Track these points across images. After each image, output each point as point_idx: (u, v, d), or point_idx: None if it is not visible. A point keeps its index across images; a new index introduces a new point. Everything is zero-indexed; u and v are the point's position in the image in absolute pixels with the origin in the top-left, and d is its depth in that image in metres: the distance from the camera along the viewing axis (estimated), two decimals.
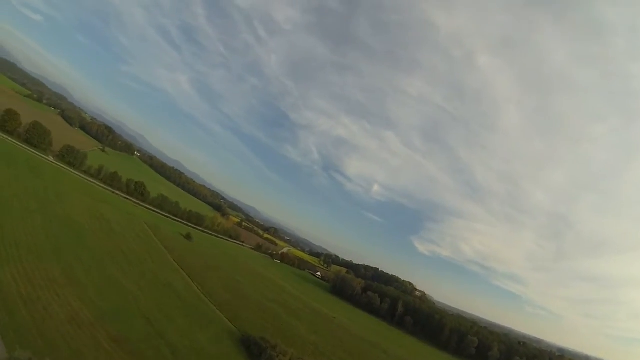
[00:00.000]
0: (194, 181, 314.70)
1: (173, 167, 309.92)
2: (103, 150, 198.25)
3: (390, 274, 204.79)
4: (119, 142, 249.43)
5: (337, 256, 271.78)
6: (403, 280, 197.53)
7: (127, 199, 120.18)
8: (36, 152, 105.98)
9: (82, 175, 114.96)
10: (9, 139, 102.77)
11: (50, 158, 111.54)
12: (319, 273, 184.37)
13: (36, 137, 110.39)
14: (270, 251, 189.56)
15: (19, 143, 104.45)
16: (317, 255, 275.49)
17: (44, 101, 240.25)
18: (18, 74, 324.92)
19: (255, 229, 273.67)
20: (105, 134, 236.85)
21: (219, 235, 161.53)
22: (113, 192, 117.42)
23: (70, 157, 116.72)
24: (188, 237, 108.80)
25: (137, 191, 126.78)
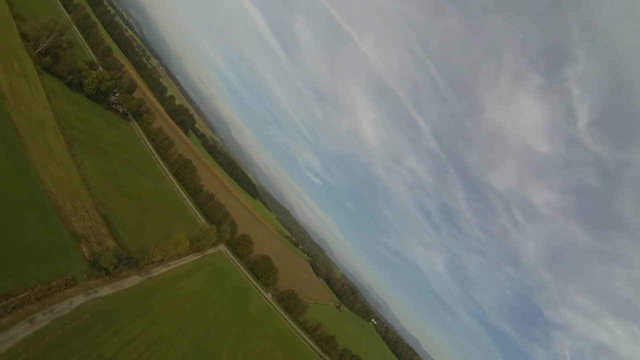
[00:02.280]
0: None
1: (408, 345, 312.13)
2: (338, 308, 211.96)
3: None
4: (358, 305, 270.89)
5: None
6: None
7: None
8: (255, 285, 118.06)
9: (294, 326, 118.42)
10: (235, 261, 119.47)
11: (268, 295, 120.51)
12: None
13: (261, 270, 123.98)
14: None
15: (242, 269, 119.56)
16: None
17: (300, 247, 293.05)
18: (288, 218, 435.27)
19: None
20: (347, 293, 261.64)
21: None
22: (320, 357, 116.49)
23: (288, 302, 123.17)
24: None
25: None
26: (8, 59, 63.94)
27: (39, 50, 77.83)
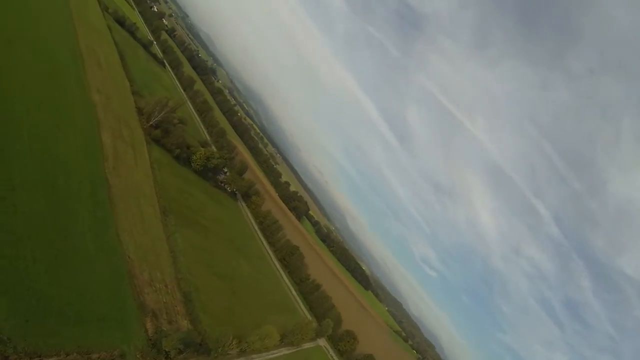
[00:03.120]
0: None
1: None
2: None
3: None
4: None
5: None
6: None
7: None
8: None
9: None
10: (334, 358, 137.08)
11: None
12: None
13: None
14: None
15: None
16: None
17: (410, 342, 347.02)
18: (400, 311, 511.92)
19: None
20: None
21: None
22: None
23: None
24: None
25: None
26: (119, 126, 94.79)
27: (150, 123, 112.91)
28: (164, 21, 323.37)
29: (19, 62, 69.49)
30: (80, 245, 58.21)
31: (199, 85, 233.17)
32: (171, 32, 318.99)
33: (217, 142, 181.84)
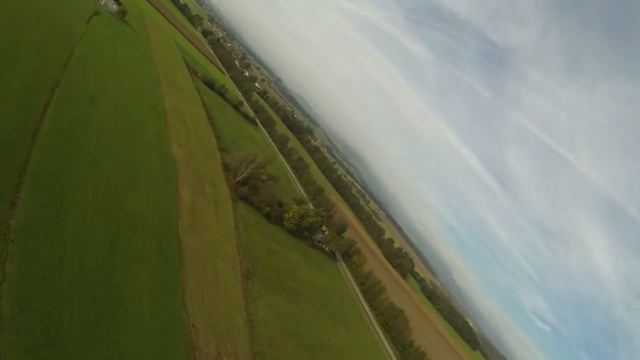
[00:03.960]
0: None
1: None
2: None
3: None
4: None
5: None
6: None
7: None
8: None
9: None
10: None
11: None
12: None
13: None
14: None
15: None
16: None
17: None
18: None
19: None
20: None
21: None
22: None
23: None
24: None
25: None
26: (201, 182, 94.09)
27: (237, 180, 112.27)
28: (256, 84, 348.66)
29: (98, 117, 73.07)
30: (133, 307, 51.69)
31: (294, 143, 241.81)
32: (264, 94, 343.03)
33: (314, 200, 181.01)
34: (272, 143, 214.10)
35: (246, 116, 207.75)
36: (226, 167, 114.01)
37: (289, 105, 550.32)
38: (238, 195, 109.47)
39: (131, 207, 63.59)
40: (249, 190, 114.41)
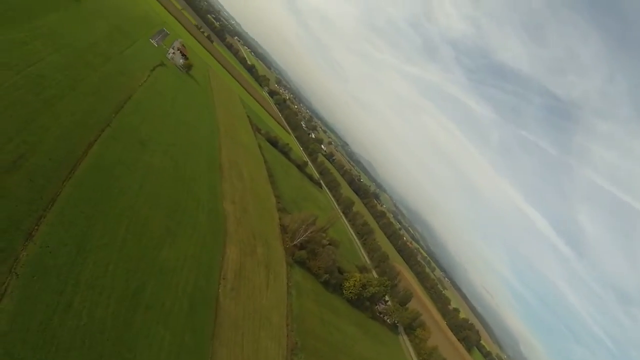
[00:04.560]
0: None
1: None
2: None
3: None
4: None
5: None
6: None
7: None
8: None
9: None
10: None
11: None
12: None
13: None
14: None
15: None
16: None
17: None
18: None
19: None
20: None
21: None
22: None
23: None
24: None
25: None
26: (253, 243, 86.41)
27: (294, 243, 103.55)
28: (322, 147, 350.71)
29: (146, 162, 70.75)
30: None
31: (359, 207, 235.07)
32: (330, 157, 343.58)
33: (378, 267, 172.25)
34: (337, 206, 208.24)
35: (310, 177, 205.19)
36: (284, 229, 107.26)
37: (356, 169, 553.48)
38: (294, 259, 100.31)
39: (165, 261, 56.97)
40: (307, 254, 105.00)
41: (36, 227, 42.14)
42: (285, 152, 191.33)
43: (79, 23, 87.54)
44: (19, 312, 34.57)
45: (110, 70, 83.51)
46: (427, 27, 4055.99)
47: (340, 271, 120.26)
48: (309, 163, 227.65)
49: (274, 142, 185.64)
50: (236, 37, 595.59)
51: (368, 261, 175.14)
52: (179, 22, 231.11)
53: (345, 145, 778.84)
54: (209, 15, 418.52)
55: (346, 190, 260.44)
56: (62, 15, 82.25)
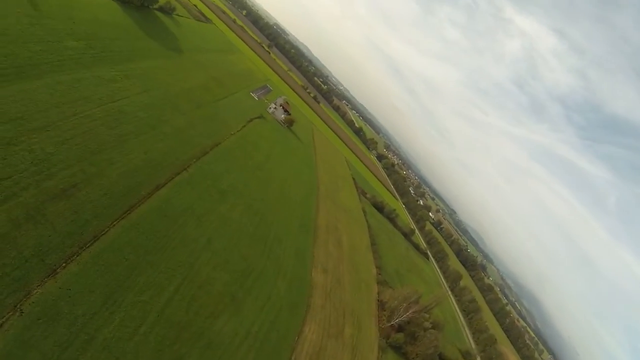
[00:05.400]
0: None
1: None
2: None
3: None
4: None
5: None
6: None
7: None
8: None
9: None
10: None
11: None
12: None
13: None
14: None
15: None
16: None
17: None
18: None
19: None
20: None
21: None
22: None
23: None
24: None
25: None
26: (340, 322, 71.00)
27: (391, 323, 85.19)
28: (430, 214, 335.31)
29: (221, 214, 62.58)
30: None
31: (466, 281, 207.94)
32: (437, 225, 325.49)
33: (483, 352, 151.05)
34: (443, 280, 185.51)
35: (417, 247, 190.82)
36: (381, 304, 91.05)
37: (463, 239, 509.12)
38: (388, 342, 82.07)
39: (218, 334, 45.41)
40: (405, 338, 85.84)
41: (64, 264, 35.39)
42: (391, 218, 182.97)
43: (176, 71, 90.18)
44: (4, 354, 28.03)
45: (199, 116, 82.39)
46: (532, 85, 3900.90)
47: (442, 357, 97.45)
48: (416, 231, 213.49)
49: (380, 207, 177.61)
50: (344, 101, 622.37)
51: (473, 344, 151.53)
52: (284, 81, 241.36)
53: (453, 213, 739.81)
54: (315, 78, 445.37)
55: (454, 262, 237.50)
56: (160, 63, 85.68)
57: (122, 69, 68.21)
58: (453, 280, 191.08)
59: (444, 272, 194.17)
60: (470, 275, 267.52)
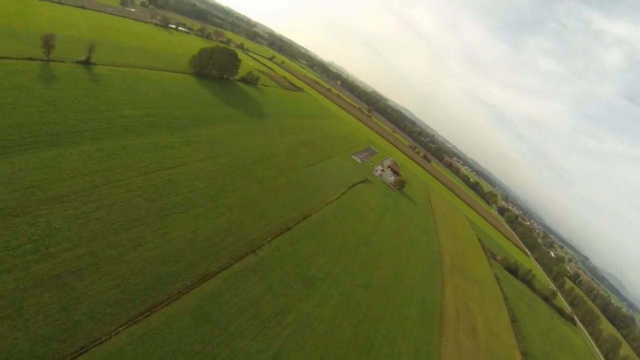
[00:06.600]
0: None
1: None
2: None
3: None
4: None
5: None
6: None
7: None
8: None
9: None
10: None
11: None
12: None
13: None
14: None
15: None
16: None
17: None
18: None
19: None
20: None
21: None
22: None
23: None
24: None
25: None
26: None
27: None
28: (566, 266, 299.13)
29: (299, 312, 46.69)
30: None
31: (626, 350, 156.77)
32: (575, 278, 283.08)
33: None
34: (597, 351, 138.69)
35: (560, 311, 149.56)
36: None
37: (603, 289, 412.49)
38: None
39: None
40: None
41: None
42: (527, 281, 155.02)
43: (255, 136, 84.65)
44: None
45: (283, 184, 72.69)
46: None
47: None
48: (557, 292, 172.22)
49: (513, 271, 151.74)
50: (454, 158, 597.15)
51: None
52: (389, 142, 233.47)
53: (585, 260, 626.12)
54: (422, 138, 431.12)
55: (606, 326, 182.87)
56: (235, 128, 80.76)
57: (184, 135, 62.81)
58: (609, 349, 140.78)
59: (596, 340, 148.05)
60: (621, 333, 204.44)
